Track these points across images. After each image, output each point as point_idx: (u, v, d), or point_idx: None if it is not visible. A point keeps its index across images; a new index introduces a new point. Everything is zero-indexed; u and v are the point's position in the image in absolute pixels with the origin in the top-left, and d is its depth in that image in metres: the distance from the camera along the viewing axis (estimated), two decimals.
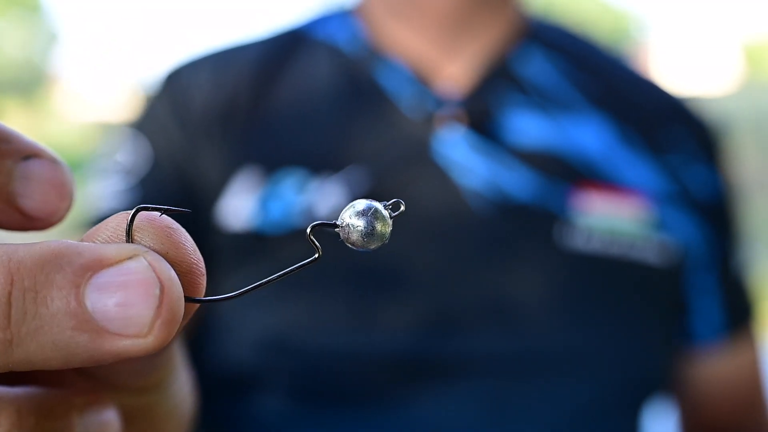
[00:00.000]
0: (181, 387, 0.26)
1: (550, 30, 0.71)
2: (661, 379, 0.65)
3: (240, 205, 0.61)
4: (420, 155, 0.62)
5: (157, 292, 0.17)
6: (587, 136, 0.65)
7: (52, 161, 0.21)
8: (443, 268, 0.60)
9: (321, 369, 0.58)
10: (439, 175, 0.61)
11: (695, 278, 0.66)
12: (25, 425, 0.19)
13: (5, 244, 0.17)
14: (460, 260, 0.60)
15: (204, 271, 0.20)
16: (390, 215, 0.21)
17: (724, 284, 0.68)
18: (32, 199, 0.21)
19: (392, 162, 0.61)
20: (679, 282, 0.65)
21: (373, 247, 0.20)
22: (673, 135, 0.68)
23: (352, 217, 0.20)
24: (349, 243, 0.21)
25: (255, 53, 0.68)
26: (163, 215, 0.19)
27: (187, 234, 0.19)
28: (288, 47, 0.68)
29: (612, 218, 0.62)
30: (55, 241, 0.17)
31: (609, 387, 0.60)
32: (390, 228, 0.21)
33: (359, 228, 0.20)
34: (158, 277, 0.17)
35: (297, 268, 0.21)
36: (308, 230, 0.21)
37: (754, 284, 0.72)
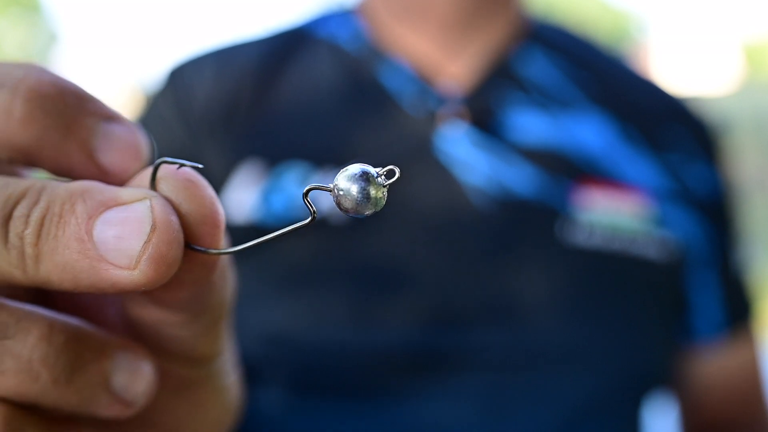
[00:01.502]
0: (230, 371, 0.28)
1: (551, 30, 0.72)
2: (661, 374, 0.65)
3: (242, 198, 0.61)
4: (422, 152, 0.62)
5: (147, 229, 0.19)
6: (588, 133, 0.65)
7: (130, 126, 0.24)
8: (445, 263, 0.60)
9: (322, 364, 0.59)
10: (441, 171, 0.62)
11: (695, 275, 0.67)
12: (54, 340, 0.20)
13: (54, 180, 0.21)
14: (461, 256, 0.61)
15: (220, 223, 0.21)
16: (383, 182, 0.20)
17: (724, 281, 0.68)
18: (109, 156, 0.23)
19: (395, 158, 0.62)
20: (680, 278, 0.65)
21: (366, 212, 0.20)
22: (672, 134, 0.68)
23: (344, 181, 0.20)
24: (342, 208, 0.21)
25: (257, 51, 0.68)
26: (186, 168, 0.21)
27: (207, 187, 0.21)
28: (290, 45, 0.69)
29: (613, 214, 0.63)
30: (89, 181, 0.20)
31: (609, 382, 0.60)
32: (384, 194, 0.20)
33: (352, 192, 0.20)
34: (153, 218, 0.19)
35: (293, 229, 0.22)
36: (303, 192, 0.21)
37: (754, 283, 0.73)
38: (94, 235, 0.19)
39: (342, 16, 0.70)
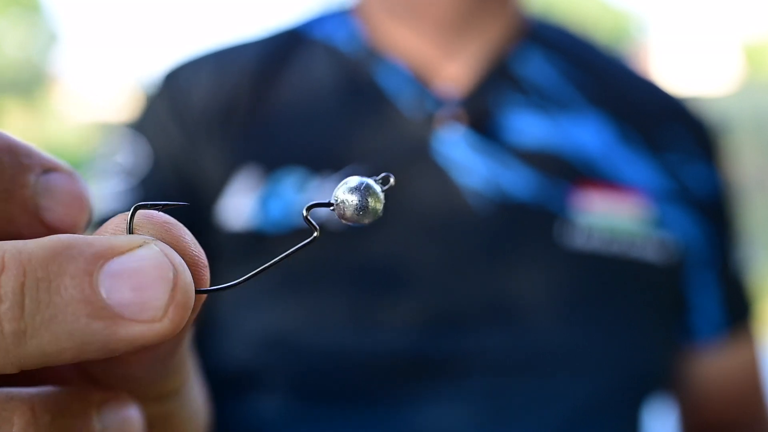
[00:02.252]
0: (197, 395, 0.26)
1: (550, 30, 0.71)
2: (661, 376, 0.65)
3: (240, 205, 0.61)
4: (420, 154, 0.62)
5: (171, 275, 0.17)
6: (587, 135, 0.65)
7: (70, 174, 0.22)
8: (443, 266, 0.60)
9: (321, 367, 0.59)
10: (439, 174, 0.61)
11: (695, 276, 0.66)
12: (41, 423, 0.18)
13: (13, 241, 0.17)
14: (460, 259, 0.61)
15: (206, 263, 0.20)
16: (381, 190, 0.21)
17: (724, 282, 0.68)
18: (55, 212, 0.21)
19: (392, 161, 0.62)
20: (679, 279, 0.65)
21: (366, 221, 0.21)
22: (671, 134, 0.68)
23: (345, 194, 0.21)
24: (344, 219, 0.21)
25: (254, 53, 0.68)
26: (160, 212, 0.19)
27: (185, 228, 0.20)
28: (286, 47, 0.69)
29: (612, 216, 0.63)
30: (64, 235, 0.18)
31: (609, 384, 0.60)
32: (383, 203, 0.21)
33: (353, 203, 0.21)
34: (171, 262, 0.18)
35: (297, 249, 0.21)
36: (304, 211, 0.21)
37: (754, 283, 0.72)
38: (103, 293, 0.17)
39: (338, 17, 0.70)
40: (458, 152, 0.62)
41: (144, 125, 0.66)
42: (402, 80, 0.64)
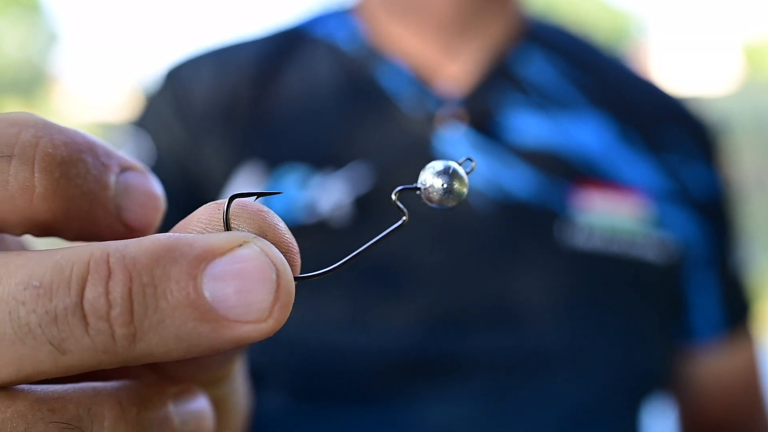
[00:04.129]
0: (243, 381, 0.27)
1: (550, 30, 0.72)
2: (660, 376, 0.65)
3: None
4: (421, 153, 0.62)
5: (274, 276, 0.18)
6: (587, 134, 0.65)
7: (144, 172, 0.22)
8: (444, 266, 0.60)
9: (322, 367, 0.59)
10: None
11: (694, 276, 0.66)
12: (128, 416, 0.19)
13: (112, 242, 0.18)
14: (461, 258, 0.61)
15: (298, 249, 0.20)
16: (464, 173, 0.22)
17: (723, 282, 0.68)
18: (133, 212, 0.21)
19: (394, 159, 0.62)
20: (679, 279, 0.65)
21: (451, 204, 0.21)
22: (671, 134, 0.68)
23: (432, 177, 0.21)
24: (431, 202, 0.22)
25: (255, 51, 0.68)
26: (254, 201, 0.20)
27: (277, 216, 0.20)
28: (288, 45, 0.69)
29: (612, 216, 0.63)
30: (164, 235, 0.18)
31: (609, 384, 0.60)
32: (467, 186, 0.22)
33: (440, 187, 0.21)
34: (272, 261, 0.18)
35: (388, 233, 0.22)
36: (393, 196, 0.21)
37: (753, 283, 0.72)
38: (208, 296, 0.17)
39: (339, 16, 0.70)
40: (459, 151, 0.62)
41: (146, 122, 0.67)
42: (403, 79, 0.65)
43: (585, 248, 0.61)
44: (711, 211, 0.67)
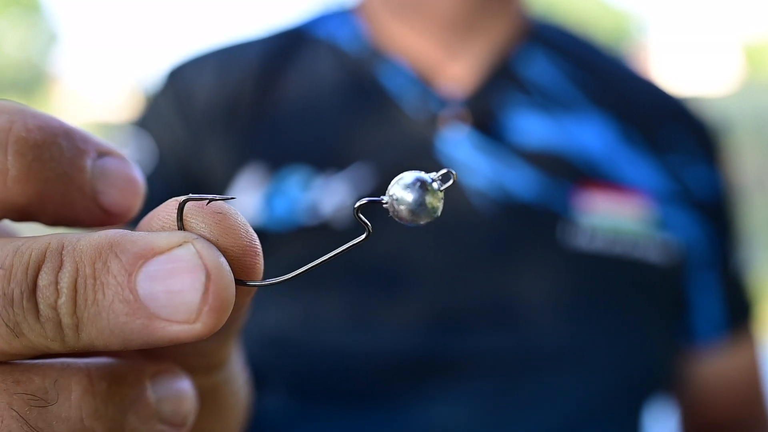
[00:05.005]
0: (240, 372, 0.27)
1: (552, 30, 0.72)
2: (662, 376, 0.65)
3: (245, 202, 0.61)
4: (424, 154, 0.62)
5: (203, 278, 0.18)
6: (589, 135, 0.65)
7: (123, 158, 0.22)
8: (446, 266, 0.60)
9: (322, 367, 0.59)
10: None
11: (696, 277, 0.66)
12: (97, 390, 0.19)
13: (67, 233, 0.18)
14: (463, 259, 0.61)
15: (259, 251, 0.20)
16: (439, 187, 0.20)
17: (725, 283, 0.68)
18: (111, 196, 0.21)
19: (396, 160, 0.62)
20: (681, 280, 0.65)
21: (422, 222, 0.19)
22: (673, 135, 0.68)
23: (399, 191, 0.19)
24: (398, 218, 0.20)
25: (257, 51, 0.68)
26: (213, 201, 0.20)
27: (239, 216, 0.20)
28: (290, 45, 0.69)
29: (614, 217, 0.63)
30: (112, 231, 0.18)
31: (611, 385, 0.60)
32: (441, 202, 0.19)
33: (408, 202, 0.19)
34: (204, 265, 0.18)
35: (347, 248, 0.20)
36: (355, 207, 0.20)
37: (754, 283, 0.72)
38: (140, 294, 0.17)
39: (341, 16, 0.70)
40: (462, 152, 0.62)
41: (148, 123, 0.67)
42: (405, 80, 0.65)
43: (587, 249, 0.61)
44: (713, 212, 0.67)
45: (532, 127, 0.64)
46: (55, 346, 0.18)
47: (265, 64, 0.67)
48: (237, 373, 0.26)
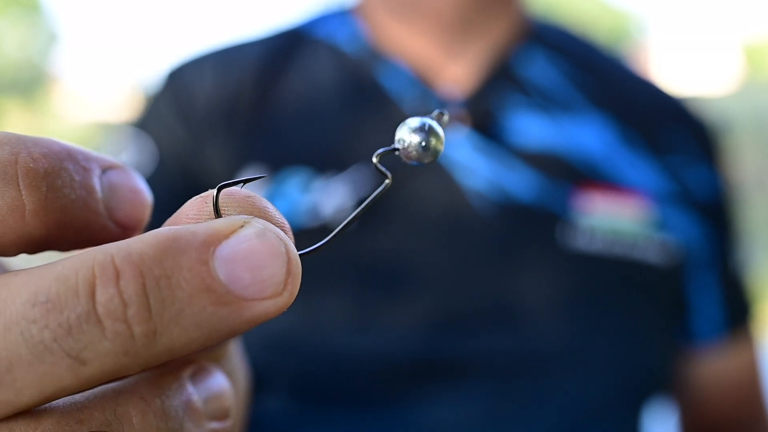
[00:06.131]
0: (240, 365, 0.27)
1: (552, 31, 0.72)
2: (662, 377, 0.65)
3: None
4: None
5: (283, 249, 0.18)
6: (589, 136, 0.65)
7: (126, 169, 0.22)
8: (446, 268, 0.60)
9: (324, 369, 0.59)
10: (442, 175, 0.62)
11: (696, 277, 0.66)
12: (155, 408, 0.19)
13: (112, 244, 0.17)
14: (463, 260, 0.61)
15: (289, 227, 0.20)
16: (439, 128, 0.22)
17: (724, 283, 0.68)
18: (123, 210, 0.21)
19: (395, 162, 0.62)
20: (680, 281, 0.65)
21: (428, 160, 0.22)
22: (673, 135, 0.68)
23: (409, 134, 0.22)
24: (409, 159, 0.22)
25: (257, 52, 0.68)
26: (240, 188, 0.20)
27: (265, 199, 0.20)
28: (289, 46, 0.69)
29: (614, 218, 0.63)
30: (165, 229, 0.18)
31: (611, 385, 0.60)
32: (443, 143, 0.22)
33: (417, 143, 0.22)
34: (278, 236, 0.18)
35: (375, 197, 0.22)
36: (374, 158, 0.22)
37: (754, 284, 0.72)
38: (222, 278, 0.17)
39: (340, 17, 0.70)
40: (461, 153, 0.62)
41: (148, 124, 0.67)
42: (405, 81, 0.65)
43: (587, 250, 0.61)
44: (712, 213, 0.67)
45: (531, 128, 0.64)
46: (128, 362, 0.17)
47: (265, 65, 0.67)
48: (236, 367, 0.26)
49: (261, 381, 0.59)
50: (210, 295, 0.17)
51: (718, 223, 0.68)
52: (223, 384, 0.21)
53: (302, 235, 0.59)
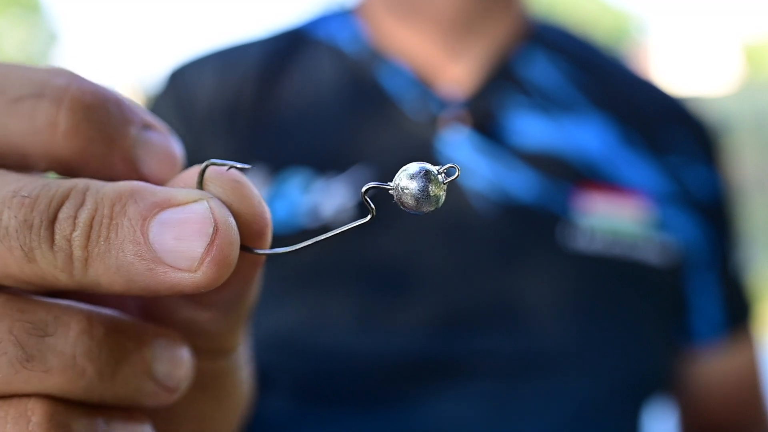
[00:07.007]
0: (246, 363, 0.28)
1: (552, 31, 0.72)
2: (661, 378, 0.65)
3: None
4: (423, 156, 0.62)
5: (210, 231, 0.19)
6: (589, 137, 0.65)
7: (167, 134, 0.24)
8: (447, 268, 0.60)
9: (327, 369, 0.59)
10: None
11: (695, 277, 0.67)
12: (95, 333, 0.20)
13: (98, 181, 0.20)
14: (464, 261, 0.61)
15: (269, 221, 0.21)
16: (443, 180, 0.21)
17: (724, 283, 0.68)
18: (149, 165, 0.23)
19: (396, 162, 0.62)
20: (680, 281, 0.66)
21: (425, 210, 0.21)
22: (672, 136, 0.68)
23: (404, 180, 0.21)
24: (403, 206, 0.21)
25: (257, 52, 0.68)
26: (232, 169, 0.21)
27: (253, 187, 0.21)
28: (290, 47, 0.69)
29: (614, 219, 0.63)
30: (135, 182, 0.20)
31: (611, 385, 0.60)
32: (443, 193, 0.21)
33: (412, 190, 0.21)
34: (215, 219, 0.19)
35: (352, 227, 0.22)
36: (363, 191, 0.21)
37: (754, 284, 0.73)
38: (150, 237, 0.19)
39: (341, 17, 0.70)
40: (462, 154, 0.62)
41: None
42: (405, 81, 0.65)
43: (587, 251, 0.61)
44: (712, 213, 0.67)
45: (531, 129, 0.64)
46: (63, 278, 0.19)
47: (266, 66, 0.67)
48: (242, 364, 0.27)
49: (265, 380, 0.59)
50: (134, 246, 0.19)
51: (718, 224, 0.68)
52: (183, 357, 0.22)
53: (303, 235, 0.60)
